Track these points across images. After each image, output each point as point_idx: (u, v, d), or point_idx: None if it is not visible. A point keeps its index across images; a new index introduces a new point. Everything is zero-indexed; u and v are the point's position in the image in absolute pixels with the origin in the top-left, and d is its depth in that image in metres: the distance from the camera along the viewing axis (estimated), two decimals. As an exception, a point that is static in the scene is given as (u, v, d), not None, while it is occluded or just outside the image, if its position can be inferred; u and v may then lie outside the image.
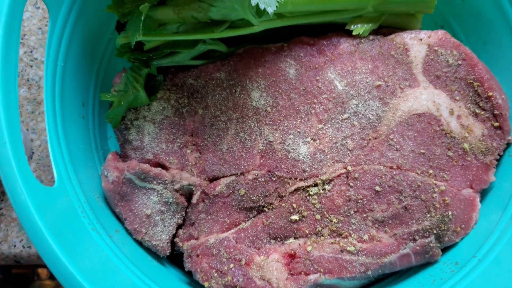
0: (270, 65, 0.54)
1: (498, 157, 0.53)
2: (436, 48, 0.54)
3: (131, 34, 0.46)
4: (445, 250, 0.51)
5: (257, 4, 0.44)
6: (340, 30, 0.56)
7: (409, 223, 0.50)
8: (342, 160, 0.52)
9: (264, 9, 0.46)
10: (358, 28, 0.54)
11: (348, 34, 0.56)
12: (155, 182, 0.49)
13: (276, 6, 0.43)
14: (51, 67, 0.47)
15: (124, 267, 0.45)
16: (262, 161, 0.51)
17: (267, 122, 0.52)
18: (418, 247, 0.50)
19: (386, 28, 0.56)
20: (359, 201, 0.50)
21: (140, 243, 0.50)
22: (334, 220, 0.50)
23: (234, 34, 0.51)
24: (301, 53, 0.55)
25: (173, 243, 0.52)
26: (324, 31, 0.57)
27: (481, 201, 0.53)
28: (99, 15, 0.52)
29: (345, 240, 0.50)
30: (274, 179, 0.51)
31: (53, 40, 0.47)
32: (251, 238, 0.50)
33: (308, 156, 0.52)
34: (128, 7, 0.48)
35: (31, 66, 0.69)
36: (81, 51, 0.52)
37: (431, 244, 0.50)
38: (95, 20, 0.53)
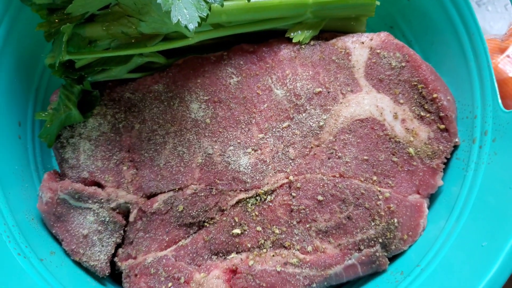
0: (209, 75, 0.53)
1: (445, 160, 0.51)
2: (378, 50, 0.53)
3: (56, 54, 0.45)
4: (394, 258, 0.50)
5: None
6: (282, 35, 0.55)
7: (353, 233, 0.49)
8: (284, 169, 0.50)
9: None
10: (298, 35, 0.53)
11: (290, 40, 0.54)
12: (90, 201, 0.48)
13: (198, 23, 0.42)
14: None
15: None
16: (201, 174, 0.50)
17: (206, 134, 0.51)
18: (363, 257, 0.48)
19: (328, 32, 0.55)
20: (302, 211, 0.49)
21: (79, 264, 0.49)
22: (277, 231, 0.49)
23: (168, 47, 0.50)
24: (241, 61, 0.54)
25: (114, 263, 0.51)
26: (266, 37, 0.56)
27: (429, 206, 0.51)
28: (33, 33, 0.52)
29: (288, 251, 0.48)
30: (214, 192, 0.50)
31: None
32: (191, 255, 0.49)
33: (249, 167, 0.50)
34: (55, 25, 0.47)
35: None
36: (14, 70, 0.51)
37: (377, 254, 0.48)
38: (29, 38, 0.52)
